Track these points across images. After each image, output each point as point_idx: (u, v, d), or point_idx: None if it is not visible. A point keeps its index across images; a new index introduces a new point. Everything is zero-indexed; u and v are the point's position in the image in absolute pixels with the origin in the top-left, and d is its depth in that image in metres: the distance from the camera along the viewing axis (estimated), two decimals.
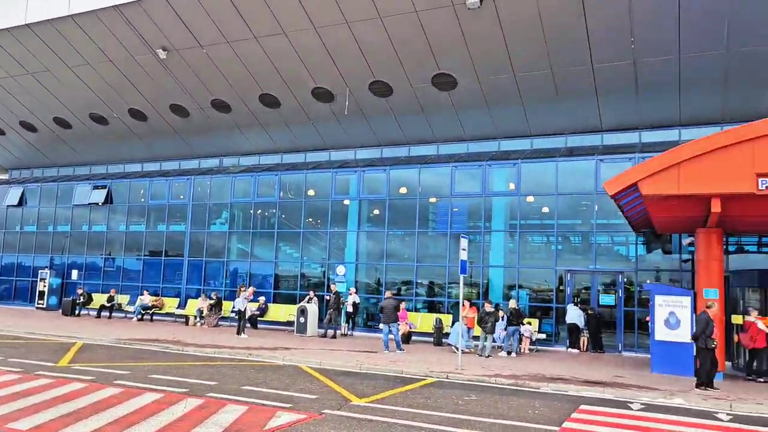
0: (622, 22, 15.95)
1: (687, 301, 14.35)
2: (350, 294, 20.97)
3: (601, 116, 19.45)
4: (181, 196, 26.32)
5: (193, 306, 23.85)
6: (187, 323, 23.39)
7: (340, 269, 22.62)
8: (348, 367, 13.54)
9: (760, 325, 13.67)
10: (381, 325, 16.86)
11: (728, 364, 15.32)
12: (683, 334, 14.23)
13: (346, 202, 23.28)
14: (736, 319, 15.06)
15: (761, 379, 13.64)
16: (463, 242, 14.09)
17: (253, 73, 21.30)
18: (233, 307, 20.92)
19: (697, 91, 17.52)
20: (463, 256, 14.07)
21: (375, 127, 22.72)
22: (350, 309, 20.89)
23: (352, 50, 19.22)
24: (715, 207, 11.66)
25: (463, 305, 16.75)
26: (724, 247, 16.33)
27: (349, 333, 21.00)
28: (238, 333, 19.39)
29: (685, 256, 18.20)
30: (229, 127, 24.77)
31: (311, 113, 22.70)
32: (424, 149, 23.07)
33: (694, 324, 13.04)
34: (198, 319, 22.99)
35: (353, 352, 16.08)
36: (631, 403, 10.65)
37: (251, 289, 20.93)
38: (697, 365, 12.57)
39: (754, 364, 13.96)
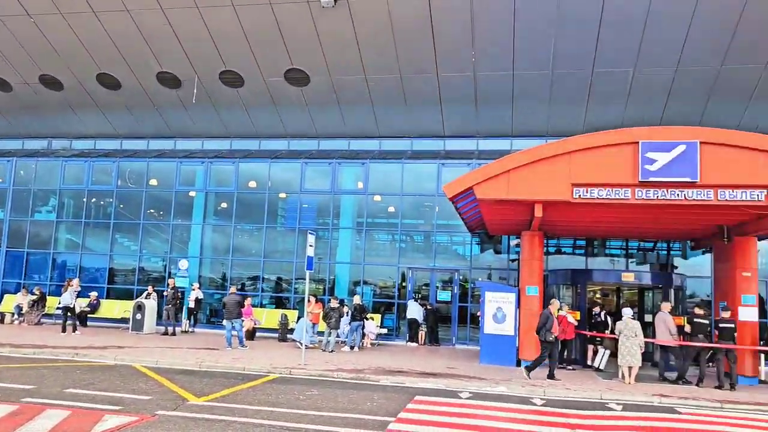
0: (465, 36, 17.03)
1: (512, 297, 15.71)
2: (193, 289, 20.22)
3: (444, 123, 20.62)
4: (0, 179, 23.64)
5: (11, 302, 21.54)
6: (2, 321, 21.09)
7: (183, 263, 21.71)
8: (187, 365, 13.09)
9: (570, 318, 15.36)
10: (224, 322, 16.48)
11: None
12: (508, 327, 15.58)
13: (192, 193, 22.39)
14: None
15: (570, 367, 15.31)
16: (311, 238, 14.22)
17: (90, 49, 19.71)
18: (59, 303, 19.20)
19: (528, 106, 19.22)
20: (310, 252, 14.20)
21: (225, 117, 22.09)
22: (192, 305, 20.15)
23: (203, 36, 18.52)
24: (538, 212, 12.86)
25: (309, 301, 16.90)
26: (545, 248, 18.12)
27: (190, 330, 20.24)
28: (64, 330, 17.88)
29: (513, 256, 19.89)
30: (61, 106, 22.69)
31: (156, 98, 21.51)
32: (275, 143, 22.86)
33: (538, 319, 14.10)
34: (16, 316, 20.82)
35: (194, 349, 15.55)
36: (461, 392, 11.46)
37: (75, 281, 19.11)
38: (521, 355, 13.80)
39: (565, 353, 15.64)
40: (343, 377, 12.46)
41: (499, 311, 15.69)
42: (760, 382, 13.71)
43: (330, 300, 17.45)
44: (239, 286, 20.67)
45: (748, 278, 14.09)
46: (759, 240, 14.95)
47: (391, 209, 20.98)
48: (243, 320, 16.98)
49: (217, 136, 23.19)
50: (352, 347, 17.29)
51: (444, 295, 20.46)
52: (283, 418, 8.48)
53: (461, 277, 20.25)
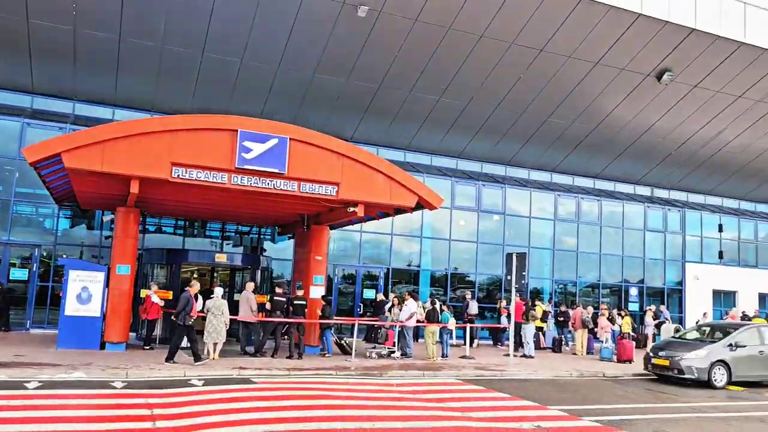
0: None
1: (101, 276, 14.78)
2: None
3: (33, 76, 18.01)
4: None
5: None
6: None
7: None
8: None
9: (155, 298, 15.29)
10: None
11: (133, 335, 16.52)
12: (94, 308, 14.60)
13: None
14: (143, 293, 16.35)
15: (157, 347, 15.25)
16: None
17: None
18: None
19: (135, 76, 18.26)
20: None
21: None
22: None
23: None
24: (134, 188, 12.38)
25: None
26: (142, 226, 17.60)
27: None
28: None
29: (108, 233, 18.70)
30: None
31: None
32: None
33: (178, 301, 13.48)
34: None
35: None
36: (29, 382, 10.26)
37: None
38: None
39: (153, 334, 15.50)
40: None
41: (84, 291, 14.58)
42: (321, 350, 16.01)
43: None
44: None
45: (320, 261, 16.36)
46: (331, 229, 17.49)
47: None
48: None
49: None
50: None
51: (20, 274, 17.91)
52: None
53: (44, 254, 18.06)
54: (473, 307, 20.12)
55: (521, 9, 17.34)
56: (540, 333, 20.63)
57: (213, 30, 16.93)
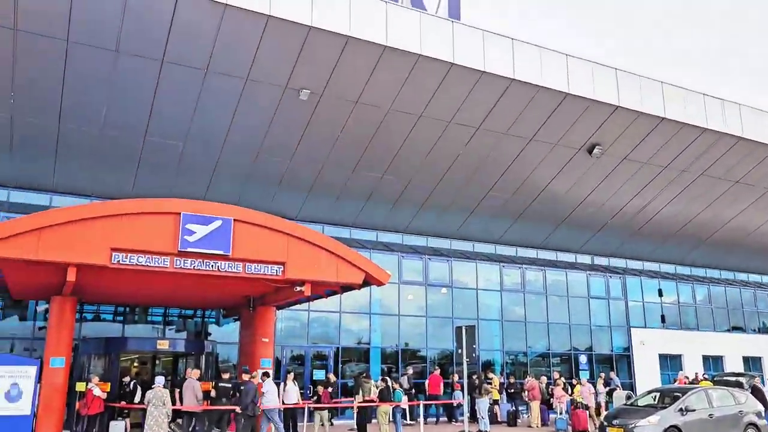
0: (4, 71, 15.12)
1: (33, 371, 13.85)
2: None
3: None
4: None
5: None
6: None
7: None
8: None
9: (96, 391, 14.49)
10: None
11: None
12: (24, 406, 13.62)
13: None
14: (80, 386, 15.45)
15: None
16: None
17: None
18: None
19: (73, 163, 17.97)
20: None
21: None
22: None
23: None
24: (71, 276, 11.98)
25: None
26: (79, 315, 16.86)
27: None
28: None
29: (42, 324, 17.79)
30: None
31: None
32: None
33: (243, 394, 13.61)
34: None
35: None
36: None
37: None
38: None
39: (93, 430, 14.57)
40: None
41: (14, 388, 13.59)
42: None
43: None
44: None
45: (267, 343, 15.97)
46: (278, 309, 17.20)
47: None
48: None
49: None
50: None
51: None
52: None
53: None
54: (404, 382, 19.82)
55: (456, 92, 18.22)
56: (495, 406, 20.45)
57: (155, 115, 17.01)
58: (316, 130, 18.53)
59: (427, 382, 20.30)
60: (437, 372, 20.68)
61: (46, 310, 16.43)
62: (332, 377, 19.10)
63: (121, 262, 12.04)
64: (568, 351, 26.04)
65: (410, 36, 16.79)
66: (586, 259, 28.17)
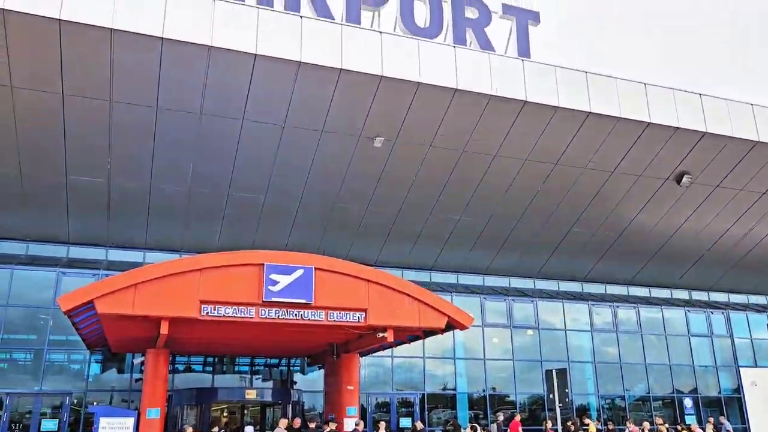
0: (101, 141, 16.29)
1: (130, 422, 14.45)
2: None
3: (70, 228, 18.84)
4: None
5: None
6: None
7: None
8: None
9: None
10: None
11: None
12: None
13: None
14: None
15: None
16: None
17: None
18: None
19: (164, 219, 18.99)
20: None
21: None
22: None
23: None
24: (164, 329, 12.48)
25: None
26: (172, 366, 17.47)
27: None
28: None
29: (138, 375, 18.55)
30: None
31: None
32: None
33: None
34: None
35: None
36: None
37: None
38: None
39: None
40: None
41: None
42: None
43: None
44: None
45: (352, 391, 15.87)
46: (361, 356, 17.13)
47: None
48: None
49: None
50: None
51: (50, 425, 17.61)
52: None
53: (74, 401, 17.86)
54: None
55: (531, 128, 17.94)
56: None
57: (237, 170, 17.75)
58: (391, 176, 18.70)
59: (508, 429, 19.34)
60: (517, 418, 19.64)
61: (142, 363, 17.15)
62: (419, 425, 18.60)
63: (209, 313, 12.44)
64: (670, 394, 24.32)
65: (480, 77, 16.78)
66: (683, 294, 26.51)
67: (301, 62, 15.14)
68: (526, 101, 17.08)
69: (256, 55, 14.80)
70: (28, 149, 16.26)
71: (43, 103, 15.10)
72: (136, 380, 18.54)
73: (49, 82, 14.64)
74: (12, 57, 13.97)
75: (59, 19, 13.37)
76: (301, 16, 15.65)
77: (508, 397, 22.32)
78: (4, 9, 12.99)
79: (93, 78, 14.74)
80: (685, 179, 20.29)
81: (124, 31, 13.82)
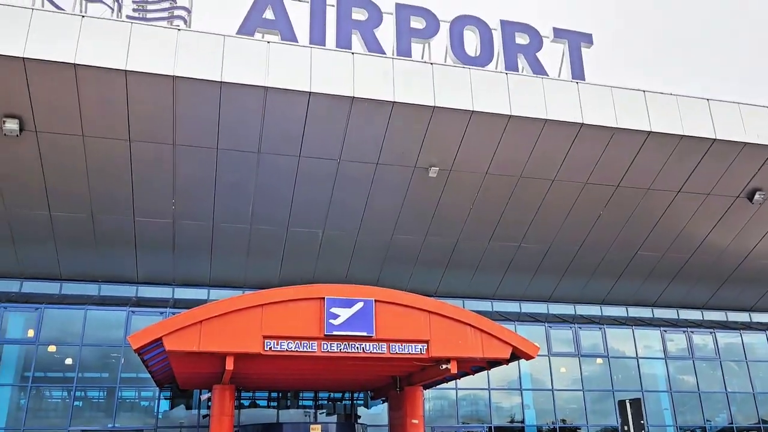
0: (165, 183, 16.94)
1: None
2: None
3: (138, 268, 19.54)
4: None
5: None
6: None
7: None
8: None
9: None
10: None
11: None
12: None
13: None
14: None
15: None
16: None
17: None
18: None
19: (226, 257, 19.45)
20: None
21: None
22: None
23: None
24: (229, 365, 12.62)
25: None
26: (237, 402, 17.65)
27: None
28: None
29: (205, 412, 18.83)
30: None
31: None
32: None
33: None
34: None
35: None
36: None
37: None
38: None
39: None
40: None
41: None
42: None
43: None
44: None
45: (417, 425, 15.58)
46: (425, 388, 16.85)
47: (69, 361, 18.46)
48: None
49: None
50: None
51: None
52: None
53: None
54: None
55: (589, 151, 17.56)
56: None
57: (295, 206, 18.06)
58: (448, 205, 18.61)
59: None
60: None
61: (209, 399, 17.39)
62: None
63: (272, 348, 12.51)
64: (756, 424, 22.77)
65: (534, 102, 16.63)
66: (763, 317, 25.01)
67: (354, 98, 15.39)
68: (582, 124, 16.77)
69: (310, 93, 15.17)
70: (98, 195, 17.05)
71: (112, 150, 15.88)
72: (204, 416, 18.82)
73: (117, 130, 15.42)
74: (83, 109, 14.81)
75: (125, 70, 14.14)
76: (352, 53, 15.98)
77: (579, 429, 21.44)
78: (75, 64, 13.85)
79: (157, 124, 15.43)
80: (757, 196, 19.33)
81: (186, 77, 14.47)
